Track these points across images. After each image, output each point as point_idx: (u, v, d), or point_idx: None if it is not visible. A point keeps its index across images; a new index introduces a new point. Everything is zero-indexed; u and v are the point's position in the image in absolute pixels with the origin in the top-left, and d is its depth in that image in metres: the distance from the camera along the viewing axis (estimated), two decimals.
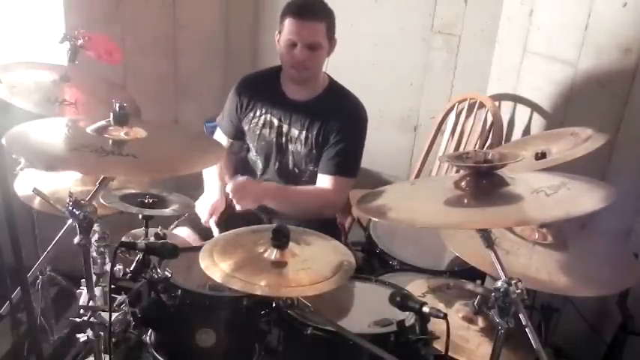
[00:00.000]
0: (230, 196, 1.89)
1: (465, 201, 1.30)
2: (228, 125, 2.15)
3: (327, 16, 1.91)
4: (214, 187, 2.08)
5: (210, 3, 2.88)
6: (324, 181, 1.99)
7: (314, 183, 2.03)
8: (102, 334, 1.34)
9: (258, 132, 2.07)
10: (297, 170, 2.07)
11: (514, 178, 1.31)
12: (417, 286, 1.63)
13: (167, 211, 1.76)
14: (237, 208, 1.90)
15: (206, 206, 2.01)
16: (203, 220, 1.99)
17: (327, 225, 2.00)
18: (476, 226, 1.25)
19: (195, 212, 2.02)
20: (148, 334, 1.44)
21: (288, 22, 1.88)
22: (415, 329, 1.31)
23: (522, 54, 2.35)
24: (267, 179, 2.10)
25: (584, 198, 1.27)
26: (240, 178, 1.91)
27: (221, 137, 2.18)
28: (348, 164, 1.99)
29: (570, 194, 1.25)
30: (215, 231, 1.94)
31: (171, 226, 2.02)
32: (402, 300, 1.31)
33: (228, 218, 2.00)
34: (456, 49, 2.71)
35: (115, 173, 1.48)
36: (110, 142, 1.34)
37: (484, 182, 1.29)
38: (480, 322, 1.50)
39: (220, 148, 1.74)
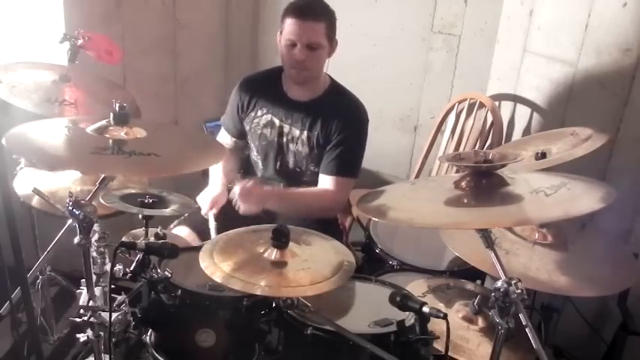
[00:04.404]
0: (234, 200, 1.89)
1: (465, 201, 1.31)
2: (230, 125, 2.16)
3: (327, 17, 1.91)
4: (218, 181, 2.08)
5: (210, 3, 2.88)
6: (325, 182, 2.00)
7: (315, 183, 2.03)
8: (102, 334, 1.34)
9: (259, 132, 2.07)
10: (298, 170, 2.07)
11: (514, 178, 1.31)
12: (417, 286, 1.63)
13: (167, 211, 1.76)
14: (241, 211, 1.89)
15: (207, 198, 2.01)
16: (203, 211, 1.99)
17: (330, 225, 2.00)
18: (475, 226, 1.25)
19: (195, 212, 2.02)
20: (148, 334, 1.43)
21: (288, 22, 1.89)
22: (415, 329, 1.31)
23: (522, 54, 2.35)
24: (268, 179, 2.11)
25: (583, 198, 1.27)
26: (248, 183, 1.91)
27: (225, 136, 2.19)
28: (349, 165, 2.00)
29: (570, 194, 1.25)
30: (212, 224, 1.94)
31: (172, 225, 2.02)
32: (402, 300, 1.32)
33: (229, 218, 1.99)
34: (455, 49, 2.70)
35: (141, 173, 1.58)
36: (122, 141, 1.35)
37: (484, 182, 1.30)
38: (480, 322, 1.50)
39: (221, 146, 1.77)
